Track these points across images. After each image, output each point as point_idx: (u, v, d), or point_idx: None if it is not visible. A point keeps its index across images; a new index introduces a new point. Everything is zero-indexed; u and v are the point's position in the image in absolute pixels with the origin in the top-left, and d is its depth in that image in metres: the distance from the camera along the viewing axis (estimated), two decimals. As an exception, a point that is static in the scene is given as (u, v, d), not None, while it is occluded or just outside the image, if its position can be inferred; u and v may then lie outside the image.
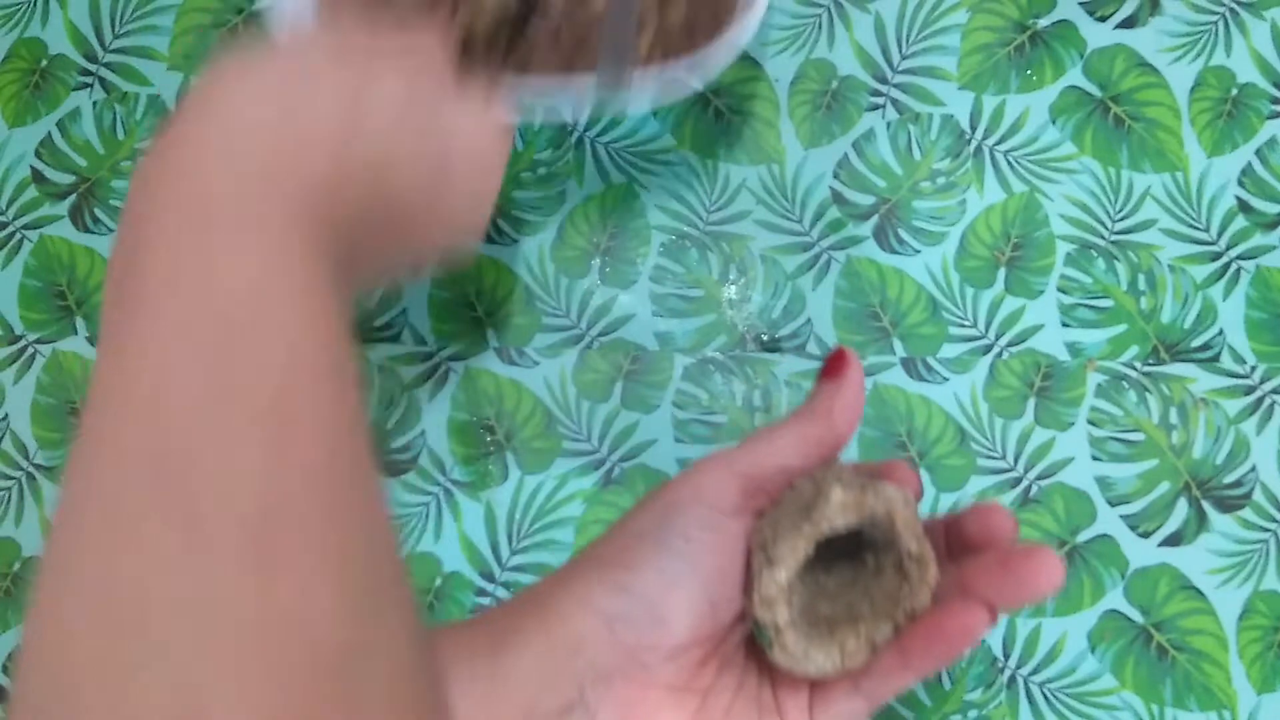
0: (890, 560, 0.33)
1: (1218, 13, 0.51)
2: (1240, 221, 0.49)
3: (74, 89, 0.53)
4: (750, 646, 0.35)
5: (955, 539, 0.35)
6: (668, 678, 0.32)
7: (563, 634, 0.31)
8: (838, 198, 0.50)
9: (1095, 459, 0.47)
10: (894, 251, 0.49)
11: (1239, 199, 0.49)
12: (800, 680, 0.34)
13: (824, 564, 0.34)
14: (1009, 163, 0.50)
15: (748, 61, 0.51)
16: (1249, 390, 0.48)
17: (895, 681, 0.33)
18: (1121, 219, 0.49)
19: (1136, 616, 0.46)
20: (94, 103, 0.52)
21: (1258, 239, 0.49)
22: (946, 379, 0.48)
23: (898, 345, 0.48)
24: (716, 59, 0.39)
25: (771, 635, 0.31)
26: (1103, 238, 0.49)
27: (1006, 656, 0.46)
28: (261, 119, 0.27)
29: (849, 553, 0.33)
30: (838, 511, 0.31)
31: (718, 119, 0.50)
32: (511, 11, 0.41)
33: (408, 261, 0.34)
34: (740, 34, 0.39)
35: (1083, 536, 0.47)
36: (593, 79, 0.40)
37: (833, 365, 0.36)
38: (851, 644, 0.32)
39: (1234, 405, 0.47)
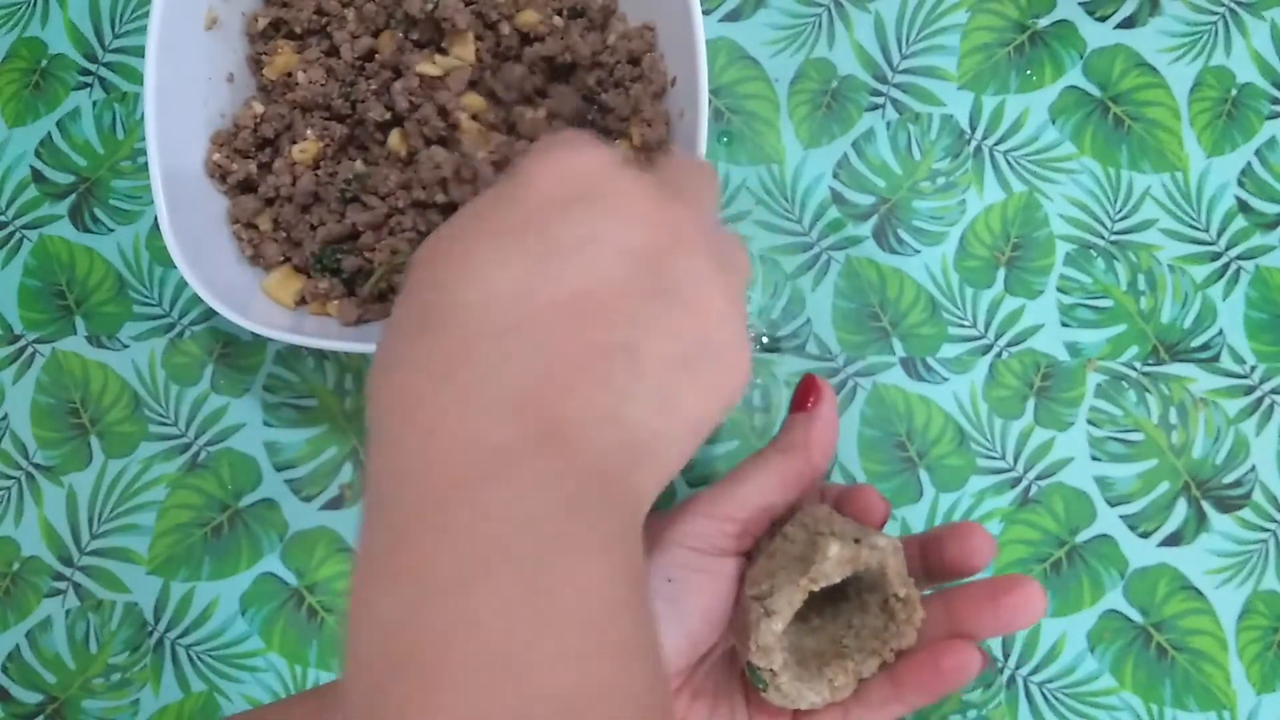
0: (876, 599, 0.34)
1: (1217, 13, 0.51)
2: (1240, 221, 0.49)
3: (74, 89, 0.53)
4: (722, 675, 0.36)
5: (933, 559, 0.35)
6: None
7: None
8: (837, 198, 0.50)
9: (1095, 459, 0.47)
10: (894, 251, 0.49)
11: (1239, 199, 0.49)
12: (779, 713, 0.35)
13: (809, 600, 0.34)
14: (1009, 163, 0.50)
15: (748, 61, 0.51)
16: (1249, 390, 0.48)
17: (886, 713, 0.33)
18: (1121, 219, 0.49)
19: (1136, 616, 0.46)
20: (94, 103, 0.52)
21: (1257, 239, 0.49)
22: (946, 379, 0.48)
23: (897, 345, 0.48)
24: None
25: (767, 679, 0.33)
26: (1102, 238, 0.49)
27: (1006, 656, 0.46)
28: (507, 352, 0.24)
29: (833, 589, 0.34)
30: (834, 567, 0.32)
31: (718, 119, 0.50)
32: None
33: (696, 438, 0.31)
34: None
35: (1082, 536, 0.47)
36: None
37: (801, 396, 0.36)
38: (840, 679, 0.33)
39: (1234, 405, 0.47)
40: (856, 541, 0.32)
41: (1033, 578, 0.33)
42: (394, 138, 0.44)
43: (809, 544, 0.32)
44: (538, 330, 0.24)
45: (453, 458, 0.23)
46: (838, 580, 0.32)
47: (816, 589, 0.32)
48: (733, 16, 0.51)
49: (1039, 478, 0.47)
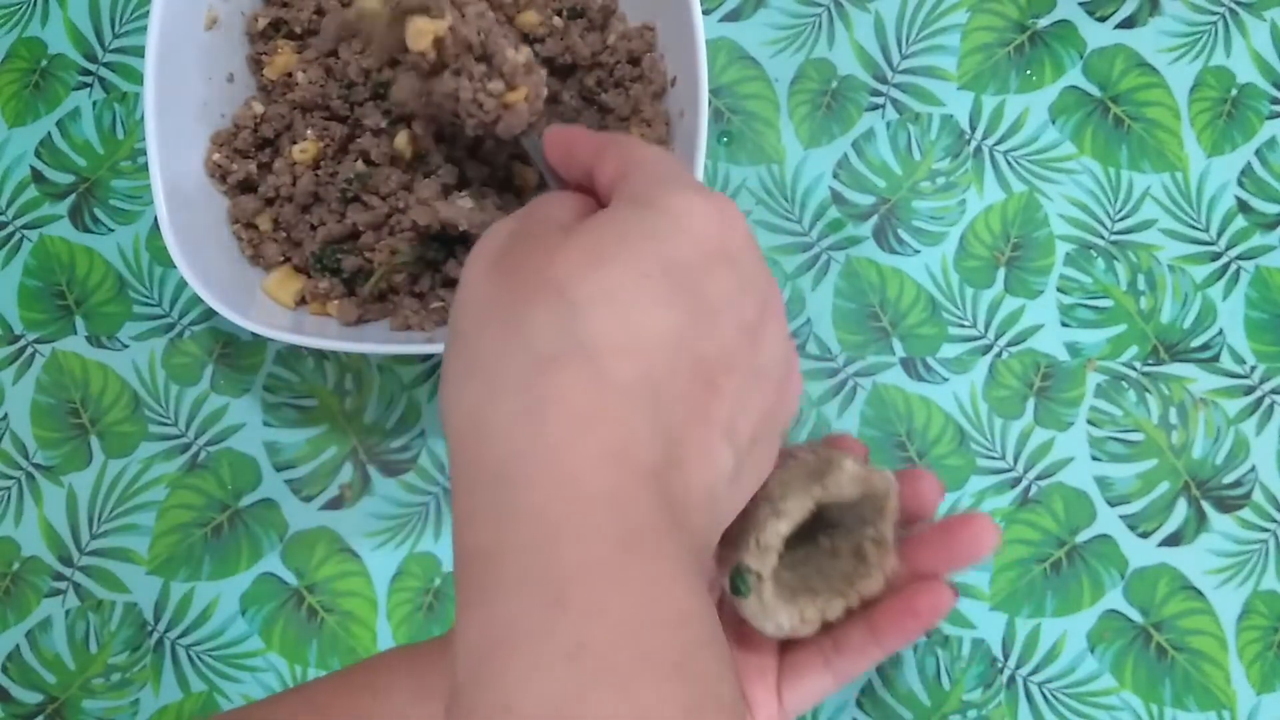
0: (848, 545, 0.34)
1: (1217, 13, 0.51)
2: (1240, 221, 0.49)
3: (74, 89, 0.53)
4: None
5: None
6: None
7: None
8: (837, 198, 0.50)
9: (1095, 459, 0.47)
10: (894, 251, 0.49)
11: (1239, 199, 0.49)
12: (768, 665, 0.35)
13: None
14: (1009, 163, 0.50)
15: (748, 61, 0.51)
16: (1249, 390, 0.48)
17: (865, 658, 0.34)
18: (1121, 219, 0.49)
19: (1136, 616, 0.46)
20: (94, 103, 0.52)
21: (1257, 239, 0.49)
22: (946, 379, 0.48)
23: (897, 345, 0.48)
24: None
25: (754, 583, 0.33)
26: (1102, 238, 0.49)
27: (1006, 656, 0.46)
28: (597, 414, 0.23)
29: (802, 533, 0.34)
30: (849, 481, 0.32)
31: (718, 119, 0.50)
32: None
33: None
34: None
35: (1082, 536, 0.47)
36: None
37: None
38: (810, 613, 0.33)
39: (1234, 405, 0.47)
40: (869, 468, 0.33)
41: (984, 513, 0.34)
42: (400, 139, 0.44)
43: (821, 462, 0.32)
44: (672, 391, 0.23)
45: (591, 523, 0.22)
46: (848, 496, 0.32)
47: (829, 500, 0.32)
48: (733, 16, 0.51)
49: (1039, 478, 0.47)
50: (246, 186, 0.46)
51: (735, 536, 0.33)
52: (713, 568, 0.34)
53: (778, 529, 0.31)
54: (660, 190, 0.25)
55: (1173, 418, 0.47)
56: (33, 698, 0.48)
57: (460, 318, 0.26)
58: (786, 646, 0.36)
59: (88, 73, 0.53)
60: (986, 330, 0.48)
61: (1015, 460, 0.47)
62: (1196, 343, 0.48)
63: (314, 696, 0.37)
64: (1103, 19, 0.51)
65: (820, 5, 0.51)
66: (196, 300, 0.50)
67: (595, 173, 0.29)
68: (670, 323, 0.24)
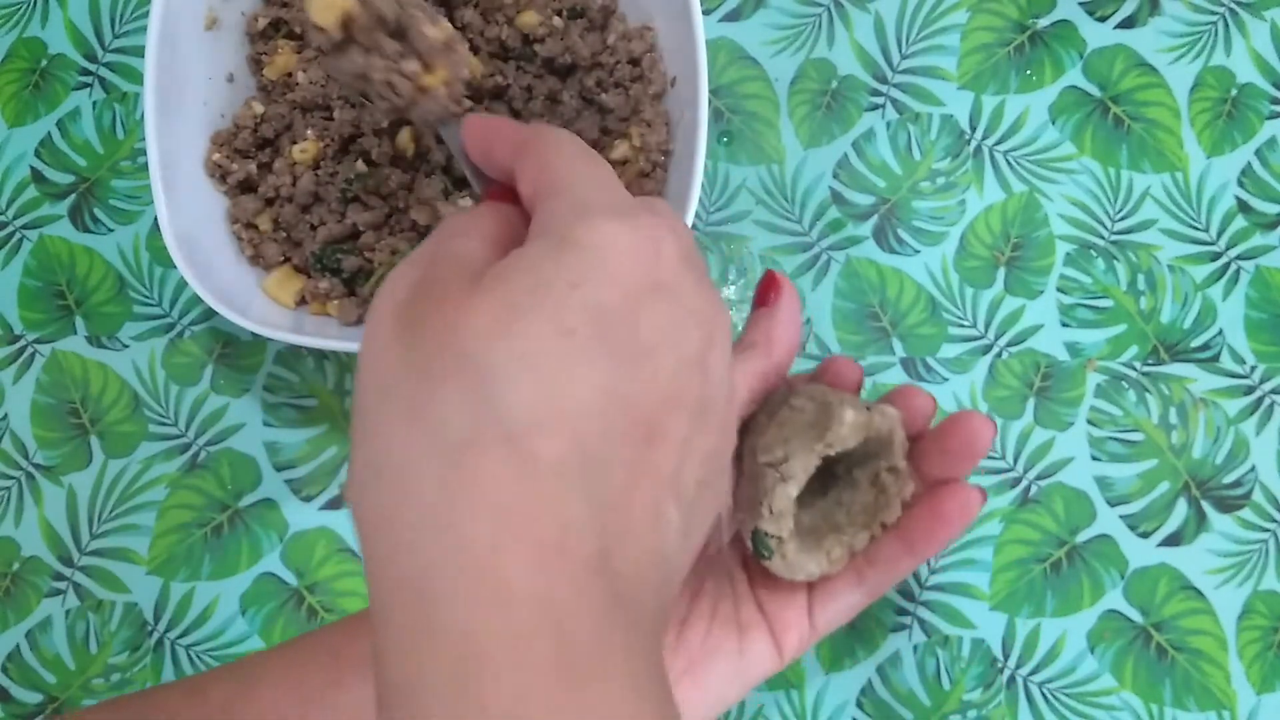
0: (865, 475, 0.34)
1: (1217, 13, 0.51)
2: (1240, 221, 0.49)
3: (74, 89, 0.53)
4: (713, 572, 0.36)
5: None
6: None
7: None
8: (837, 198, 0.50)
9: (1095, 459, 0.47)
10: (894, 251, 0.49)
11: (1239, 199, 0.49)
12: (798, 587, 0.35)
13: None
14: (1009, 163, 0.50)
15: (748, 61, 0.51)
16: (1249, 390, 0.48)
17: (898, 570, 0.34)
18: (1121, 219, 0.49)
19: (1136, 616, 0.46)
20: (94, 103, 0.52)
21: (1257, 239, 0.49)
22: (946, 379, 0.48)
23: (897, 345, 0.48)
24: None
25: (774, 546, 0.33)
26: (1102, 238, 0.49)
27: (1006, 656, 0.46)
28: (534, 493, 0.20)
29: (821, 468, 0.34)
30: (850, 431, 0.32)
31: (718, 119, 0.50)
32: None
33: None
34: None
35: (1082, 536, 0.47)
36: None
37: (763, 291, 0.34)
38: (837, 552, 0.34)
39: (1233, 405, 0.47)
40: (868, 410, 0.33)
41: (975, 411, 0.35)
42: (403, 136, 0.44)
43: (820, 412, 0.32)
44: (607, 457, 0.21)
45: (524, 646, 0.19)
46: (852, 445, 0.32)
47: (832, 453, 0.32)
48: (733, 16, 0.51)
49: (1039, 478, 0.47)
50: (246, 186, 0.46)
51: (747, 502, 0.33)
52: (722, 543, 0.34)
53: (787, 493, 0.31)
54: (577, 220, 0.22)
55: (1173, 418, 0.47)
56: (33, 698, 0.48)
57: (361, 394, 0.22)
58: None
59: (88, 73, 0.53)
60: (986, 330, 0.48)
61: (1015, 460, 0.47)
62: (1196, 343, 0.48)
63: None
64: (1103, 19, 0.51)
65: (820, 5, 0.51)
66: (196, 300, 0.50)
67: (516, 179, 0.26)
68: (598, 380, 0.21)
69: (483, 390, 0.20)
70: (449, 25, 0.34)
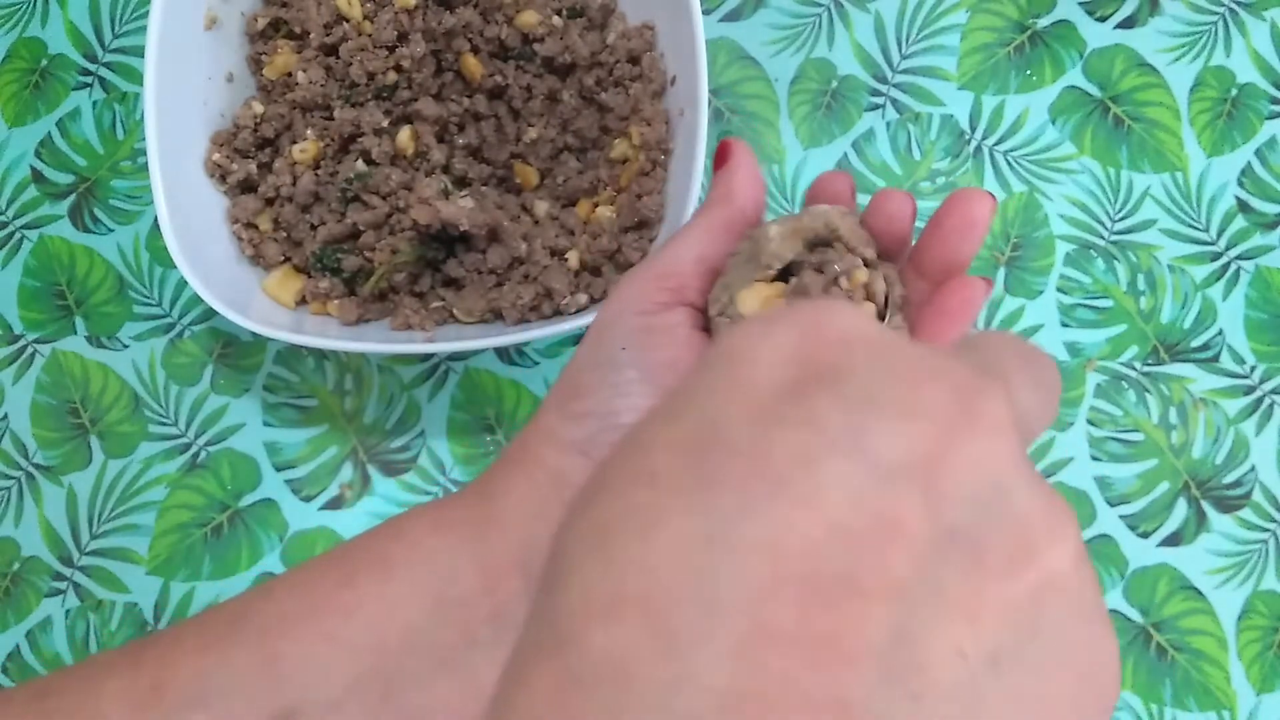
0: (827, 279, 0.32)
1: (1217, 13, 0.51)
2: (1240, 221, 0.49)
3: (74, 89, 0.53)
4: None
5: (879, 227, 0.34)
6: None
7: (543, 474, 0.31)
8: (837, 198, 0.50)
9: (1095, 459, 0.47)
10: (894, 251, 0.49)
11: (1239, 199, 0.49)
12: None
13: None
14: (1009, 163, 0.50)
15: (748, 61, 0.51)
16: (1248, 390, 0.48)
17: None
18: (1121, 219, 0.49)
19: (1136, 616, 0.46)
20: (94, 103, 0.52)
21: (1257, 239, 0.49)
22: (946, 379, 0.48)
23: (897, 345, 0.48)
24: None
25: None
26: (1102, 238, 0.49)
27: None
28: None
29: (804, 290, 0.33)
30: (780, 244, 0.31)
31: (718, 119, 0.50)
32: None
33: None
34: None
35: (1082, 536, 0.47)
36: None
37: (720, 155, 0.35)
38: None
39: (1233, 405, 0.47)
40: (796, 217, 0.31)
41: (971, 187, 0.34)
42: (403, 135, 0.44)
43: (751, 244, 0.31)
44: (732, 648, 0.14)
45: None
46: (790, 256, 0.31)
47: (772, 272, 0.31)
48: (733, 16, 0.51)
49: (1039, 478, 0.47)
50: (246, 186, 0.46)
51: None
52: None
53: None
54: (729, 335, 0.18)
55: (1173, 418, 0.47)
56: (33, 698, 0.48)
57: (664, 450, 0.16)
58: None
59: (88, 73, 0.53)
60: (987, 330, 0.48)
61: (1015, 460, 0.47)
62: (1196, 343, 0.48)
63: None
64: (1103, 19, 0.51)
65: (820, 5, 0.51)
66: (196, 300, 0.50)
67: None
68: (696, 557, 0.15)
69: (570, 570, 0.16)
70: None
